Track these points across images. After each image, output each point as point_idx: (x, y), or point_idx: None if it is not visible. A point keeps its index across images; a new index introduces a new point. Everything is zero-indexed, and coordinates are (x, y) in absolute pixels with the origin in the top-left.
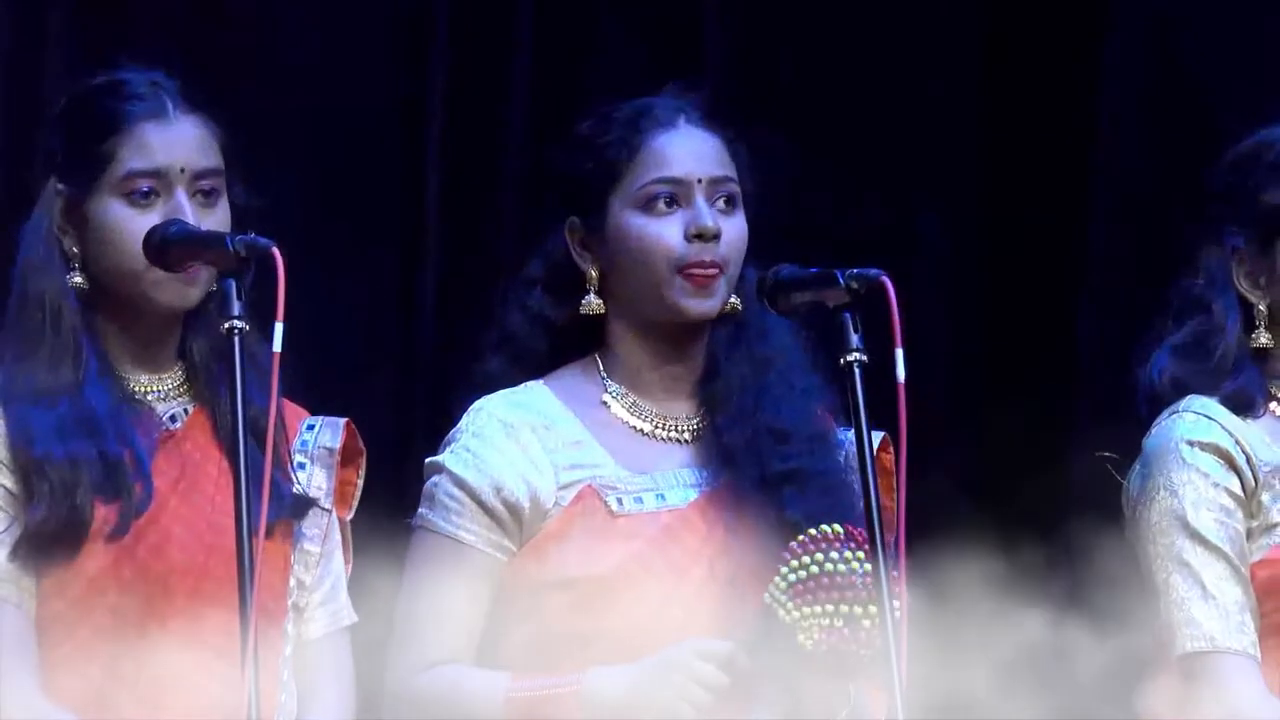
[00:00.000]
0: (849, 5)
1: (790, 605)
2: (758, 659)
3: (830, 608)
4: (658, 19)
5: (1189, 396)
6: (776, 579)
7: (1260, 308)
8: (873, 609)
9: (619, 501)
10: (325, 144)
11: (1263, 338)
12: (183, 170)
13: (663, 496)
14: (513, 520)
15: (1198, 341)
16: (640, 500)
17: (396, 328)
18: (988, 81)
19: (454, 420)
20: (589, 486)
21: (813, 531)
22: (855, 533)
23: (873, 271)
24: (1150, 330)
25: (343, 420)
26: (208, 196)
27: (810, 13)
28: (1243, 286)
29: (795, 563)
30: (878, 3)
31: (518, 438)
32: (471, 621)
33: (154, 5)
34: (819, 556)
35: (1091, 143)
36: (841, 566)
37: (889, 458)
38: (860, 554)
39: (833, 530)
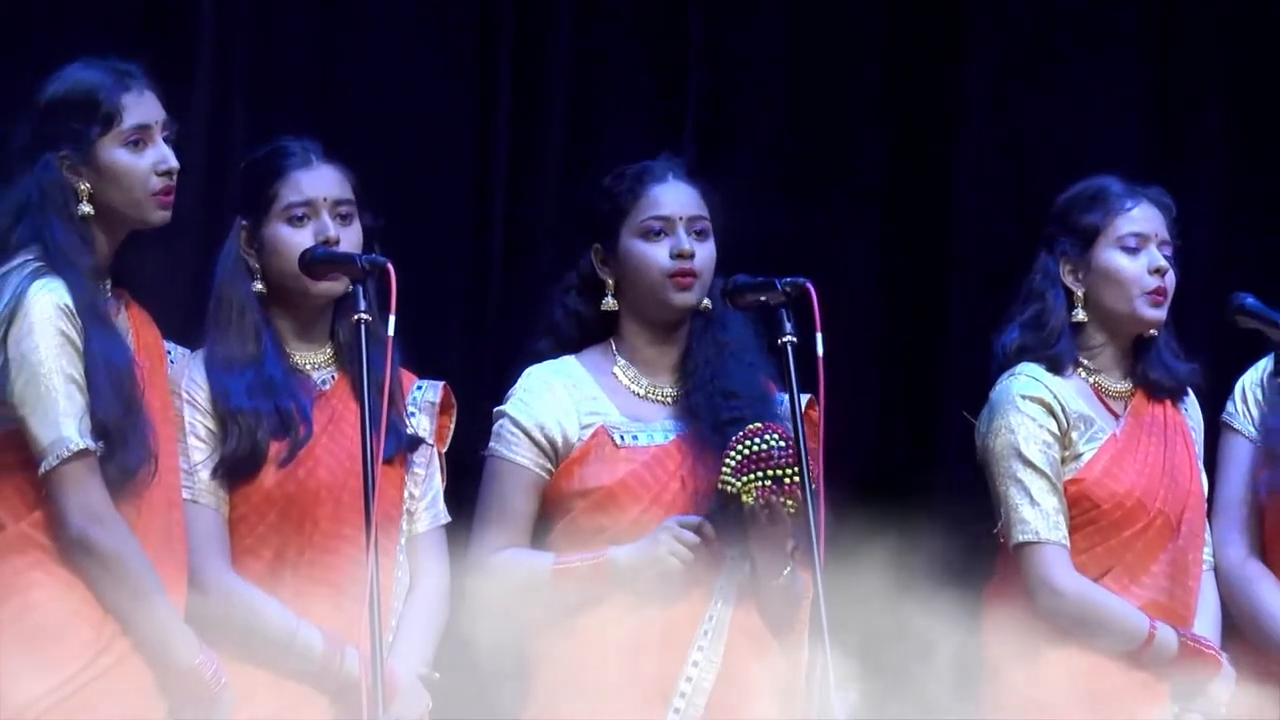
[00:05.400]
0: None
1: (734, 479)
2: (720, 531)
3: (760, 473)
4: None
5: (1023, 363)
6: (724, 466)
7: (1078, 294)
8: (789, 470)
9: (621, 438)
10: (423, 184)
11: (1080, 314)
12: (325, 199)
13: (651, 437)
14: (551, 449)
15: (1035, 318)
16: (636, 438)
17: (474, 319)
18: (887, 129)
19: (513, 381)
20: (601, 427)
21: (743, 431)
22: (771, 425)
23: (800, 279)
24: (1005, 314)
25: (441, 382)
26: (344, 219)
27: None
28: (1068, 280)
29: (734, 451)
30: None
31: (554, 393)
32: (526, 519)
33: (301, 82)
34: (747, 443)
35: (953, 198)
36: (764, 446)
37: (814, 413)
38: (775, 435)
39: (754, 426)
